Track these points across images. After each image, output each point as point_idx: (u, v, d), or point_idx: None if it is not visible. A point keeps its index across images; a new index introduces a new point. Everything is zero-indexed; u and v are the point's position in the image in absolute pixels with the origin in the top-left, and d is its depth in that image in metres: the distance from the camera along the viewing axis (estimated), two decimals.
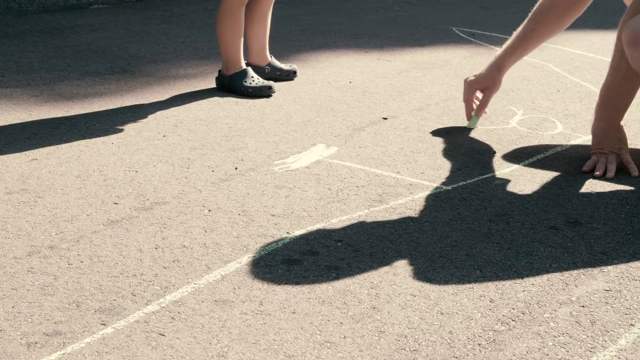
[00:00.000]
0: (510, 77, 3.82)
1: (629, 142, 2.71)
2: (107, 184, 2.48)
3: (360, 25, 5.06)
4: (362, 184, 2.51)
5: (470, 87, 3.01)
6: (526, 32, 2.92)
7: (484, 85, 2.99)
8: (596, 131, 2.71)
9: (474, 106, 3.05)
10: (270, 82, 3.48)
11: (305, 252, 2.07)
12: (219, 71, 3.54)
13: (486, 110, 3.05)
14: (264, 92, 3.44)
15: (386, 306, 1.83)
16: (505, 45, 2.97)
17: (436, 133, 3.00)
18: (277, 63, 3.73)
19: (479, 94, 3.04)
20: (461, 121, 3.14)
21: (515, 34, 2.95)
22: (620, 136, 2.67)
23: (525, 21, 2.93)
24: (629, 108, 2.70)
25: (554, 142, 2.92)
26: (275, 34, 4.65)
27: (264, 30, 3.65)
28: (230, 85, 3.48)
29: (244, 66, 3.49)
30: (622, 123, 2.69)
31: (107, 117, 3.13)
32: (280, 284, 1.91)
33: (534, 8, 2.92)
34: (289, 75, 3.73)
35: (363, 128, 3.05)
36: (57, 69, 3.83)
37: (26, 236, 2.13)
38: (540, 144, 2.91)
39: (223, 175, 2.56)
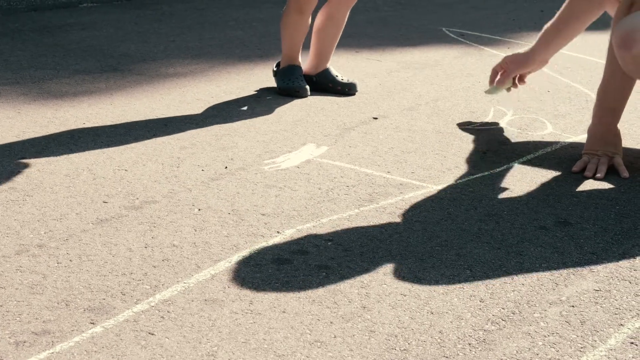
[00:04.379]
0: None
1: None
2: (96, 183, 2.47)
3: (350, 25, 5.05)
4: (352, 184, 2.51)
5: (503, 60, 2.94)
6: (550, 29, 2.82)
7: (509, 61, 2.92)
8: (594, 132, 2.69)
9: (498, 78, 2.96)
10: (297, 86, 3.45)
11: (296, 251, 2.07)
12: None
13: (517, 85, 2.97)
14: (291, 92, 3.43)
15: (376, 306, 1.83)
16: (538, 36, 2.87)
17: (426, 133, 3.00)
18: (332, 74, 3.53)
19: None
20: (451, 121, 3.14)
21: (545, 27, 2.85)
22: (616, 141, 2.67)
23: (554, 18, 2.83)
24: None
25: (544, 143, 2.93)
26: (266, 34, 4.65)
27: (330, 35, 3.53)
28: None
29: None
30: (617, 125, 2.68)
31: (97, 115, 3.12)
32: (270, 284, 1.91)
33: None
34: (342, 89, 3.50)
35: (353, 128, 3.05)
36: (47, 67, 3.81)
37: (15, 235, 2.12)
38: (530, 144, 2.92)
39: (213, 175, 2.56)
